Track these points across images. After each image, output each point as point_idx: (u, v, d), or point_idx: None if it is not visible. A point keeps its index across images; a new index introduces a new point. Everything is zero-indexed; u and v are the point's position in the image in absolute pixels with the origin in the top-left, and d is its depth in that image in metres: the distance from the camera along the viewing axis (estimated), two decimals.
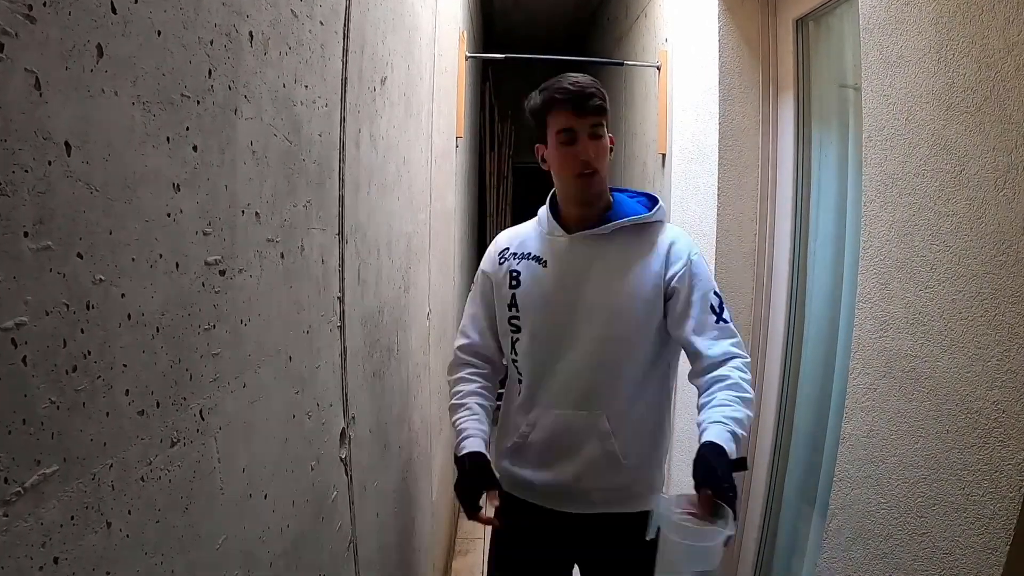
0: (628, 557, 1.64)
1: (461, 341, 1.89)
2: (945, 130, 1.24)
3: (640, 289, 1.67)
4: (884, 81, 1.41)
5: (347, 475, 1.29)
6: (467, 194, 4.61)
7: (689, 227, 2.74)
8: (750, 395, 1.54)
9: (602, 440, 1.70)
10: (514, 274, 1.77)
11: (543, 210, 1.83)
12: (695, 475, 1.40)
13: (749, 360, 1.62)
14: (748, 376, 1.58)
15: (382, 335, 1.59)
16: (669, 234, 1.73)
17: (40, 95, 0.45)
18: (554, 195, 1.82)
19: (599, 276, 1.69)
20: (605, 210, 1.75)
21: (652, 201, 1.81)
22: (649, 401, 1.74)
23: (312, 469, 1.08)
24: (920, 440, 1.32)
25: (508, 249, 1.83)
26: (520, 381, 1.80)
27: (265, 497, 0.89)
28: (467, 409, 1.79)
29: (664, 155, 3.47)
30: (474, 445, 1.70)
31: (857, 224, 1.71)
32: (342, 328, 1.24)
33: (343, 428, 1.26)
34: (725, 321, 1.63)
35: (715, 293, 1.65)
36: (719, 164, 2.44)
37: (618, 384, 1.69)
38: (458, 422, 1.77)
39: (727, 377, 1.55)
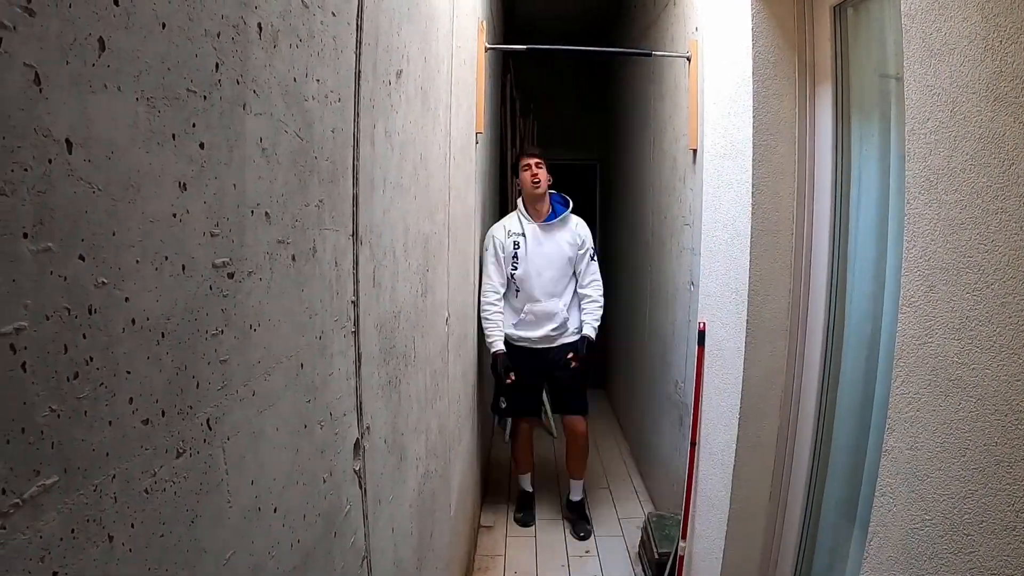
0: (567, 373, 4.09)
1: (494, 280, 3.93)
2: (993, 122, 1.22)
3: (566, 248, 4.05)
4: (928, 71, 1.39)
5: (361, 488, 1.29)
6: (488, 192, 4.61)
7: (722, 226, 2.72)
8: (602, 302, 4.12)
9: (558, 311, 4.03)
10: (514, 241, 3.96)
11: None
12: (578, 346, 4.05)
13: (601, 281, 4.15)
14: (601, 291, 4.13)
15: (398, 341, 1.60)
16: (574, 217, 4.09)
17: (40, 91, 0.46)
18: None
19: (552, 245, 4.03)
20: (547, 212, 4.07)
21: (565, 201, 4.11)
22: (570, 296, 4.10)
23: (324, 481, 1.09)
24: (967, 453, 1.30)
25: (505, 227, 4.01)
26: (517, 291, 4.01)
27: (275, 510, 0.89)
28: (495, 324, 3.92)
29: (695, 151, 3.46)
30: (500, 347, 3.93)
31: (900, 223, 1.69)
32: (356, 334, 1.25)
33: (357, 439, 1.27)
34: (593, 260, 4.10)
35: (592, 249, 4.10)
36: (753, 160, 2.42)
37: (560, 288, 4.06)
38: (489, 330, 3.92)
39: (593, 297, 4.08)
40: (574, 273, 4.11)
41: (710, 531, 2.85)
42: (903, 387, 1.48)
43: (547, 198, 4.04)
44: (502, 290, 3.98)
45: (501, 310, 3.98)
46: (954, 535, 1.32)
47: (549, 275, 4.00)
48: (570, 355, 4.08)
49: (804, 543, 2.53)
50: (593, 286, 4.10)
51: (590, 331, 4.07)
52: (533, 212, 4.01)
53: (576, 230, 4.06)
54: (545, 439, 5.44)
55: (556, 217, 4.00)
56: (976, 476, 1.27)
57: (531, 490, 4.47)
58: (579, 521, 4.22)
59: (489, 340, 3.95)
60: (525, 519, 4.34)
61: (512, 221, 4.04)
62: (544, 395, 4.63)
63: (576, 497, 4.32)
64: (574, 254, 4.04)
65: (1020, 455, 1.17)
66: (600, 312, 4.12)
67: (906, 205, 1.47)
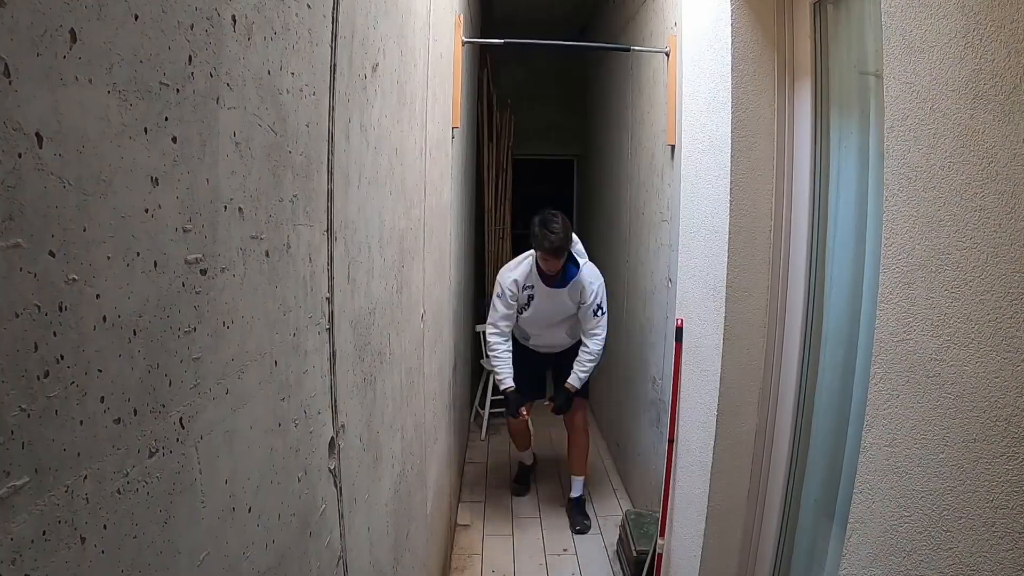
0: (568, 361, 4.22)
1: (500, 326, 4.08)
2: (972, 120, 1.24)
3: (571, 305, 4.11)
4: (907, 68, 1.40)
5: (336, 487, 1.29)
6: (464, 188, 4.61)
7: (700, 223, 2.74)
8: (597, 358, 4.11)
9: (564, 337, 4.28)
10: (528, 294, 4.05)
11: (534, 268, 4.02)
12: (559, 401, 4.22)
13: (604, 335, 4.09)
14: (600, 346, 4.08)
15: (373, 338, 1.59)
16: (585, 276, 4.00)
17: (9, 83, 0.45)
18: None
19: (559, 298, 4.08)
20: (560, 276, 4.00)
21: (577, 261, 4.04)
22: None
23: (299, 480, 1.08)
24: (945, 449, 1.32)
25: (518, 282, 4.03)
26: (520, 316, 4.16)
27: (249, 510, 0.89)
28: (504, 362, 4.07)
29: (673, 147, 3.47)
30: (510, 383, 4.07)
31: (878, 220, 1.71)
32: (331, 331, 1.24)
33: (332, 437, 1.26)
34: (597, 315, 4.04)
35: (599, 306, 4.02)
36: (732, 156, 2.43)
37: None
38: (498, 368, 4.08)
39: (588, 348, 4.08)
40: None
41: (689, 529, 2.87)
42: (881, 384, 1.50)
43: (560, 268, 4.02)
44: (508, 331, 4.15)
45: (509, 349, 4.13)
46: (933, 531, 1.34)
47: (555, 321, 4.17)
48: (548, 402, 4.47)
49: (783, 540, 2.56)
50: (594, 339, 4.08)
51: (575, 381, 4.14)
52: (545, 277, 4.01)
53: (584, 290, 4.02)
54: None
55: (566, 284, 3.99)
56: (955, 472, 1.29)
57: (530, 463, 4.83)
58: (577, 516, 4.30)
59: (499, 377, 4.12)
60: (519, 489, 4.71)
61: (527, 275, 4.05)
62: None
63: (575, 494, 4.41)
64: (576, 309, 4.10)
65: (998, 451, 1.18)
66: (592, 366, 4.12)
67: (884, 202, 1.48)
